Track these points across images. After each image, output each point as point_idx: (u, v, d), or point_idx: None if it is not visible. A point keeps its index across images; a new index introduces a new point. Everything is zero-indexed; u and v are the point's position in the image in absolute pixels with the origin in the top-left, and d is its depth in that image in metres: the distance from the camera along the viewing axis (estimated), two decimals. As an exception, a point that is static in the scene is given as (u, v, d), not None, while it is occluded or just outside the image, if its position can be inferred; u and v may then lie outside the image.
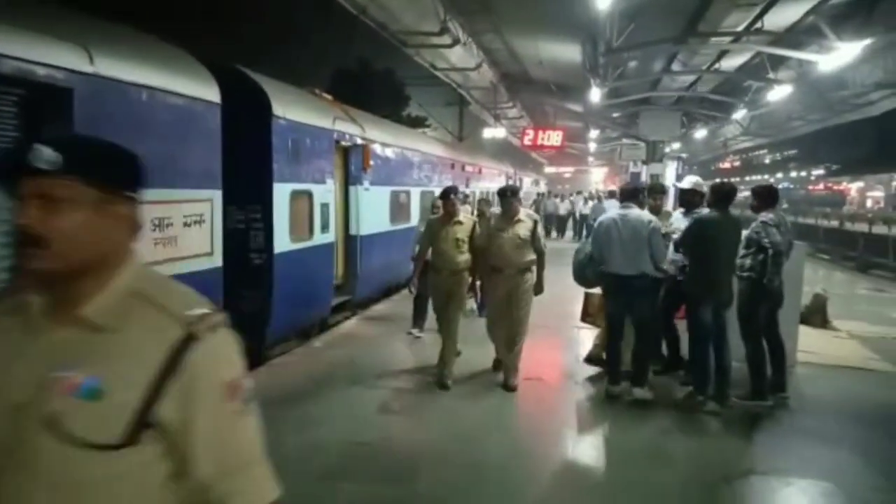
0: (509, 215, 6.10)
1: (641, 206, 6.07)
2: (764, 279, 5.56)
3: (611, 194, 19.96)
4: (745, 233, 5.82)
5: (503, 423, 5.53)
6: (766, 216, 5.69)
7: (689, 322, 5.83)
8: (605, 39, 10.41)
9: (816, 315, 8.81)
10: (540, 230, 6.19)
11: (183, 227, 5.52)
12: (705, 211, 6.12)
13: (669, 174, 18.43)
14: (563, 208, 24.43)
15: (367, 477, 4.34)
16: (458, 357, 6.53)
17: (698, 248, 5.71)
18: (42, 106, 4.27)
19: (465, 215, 6.65)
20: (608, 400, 5.86)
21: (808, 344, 7.52)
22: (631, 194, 6.04)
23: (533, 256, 6.11)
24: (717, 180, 6.58)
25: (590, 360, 6.87)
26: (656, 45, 11.98)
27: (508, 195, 6.19)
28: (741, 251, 5.73)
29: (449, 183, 16.03)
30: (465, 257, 6.22)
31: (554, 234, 22.76)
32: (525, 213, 6.21)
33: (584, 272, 6.25)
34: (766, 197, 5.87)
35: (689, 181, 6.59)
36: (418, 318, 8.19)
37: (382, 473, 4.40)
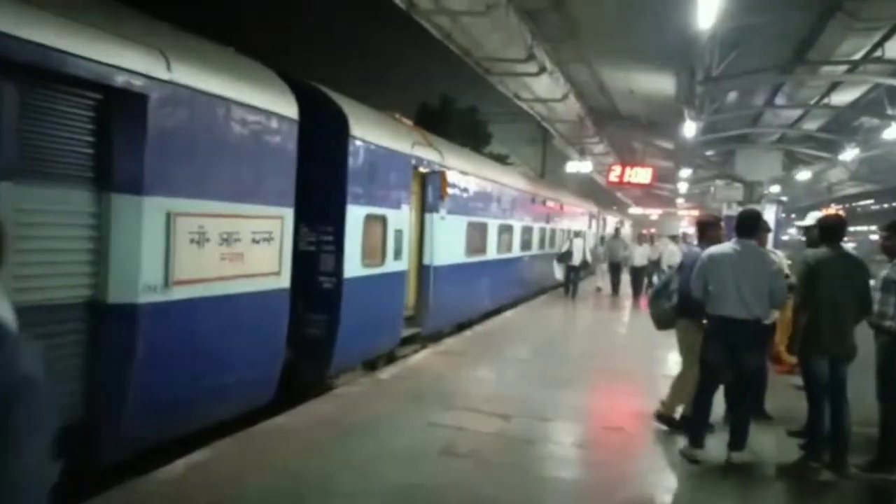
0: None
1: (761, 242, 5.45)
2: None
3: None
4: (880, 274, 5.05)
5: (577, 476, 4.95)
6: None
7: (804, 376, 5.10)
8: (704, 67, 9.79)
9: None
10: None
11: (251, 244, 5.35)
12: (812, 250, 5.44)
13: (769, 219, 17.21)
14: (639, 255, 16.94)
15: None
16: None
17: (808, 293, 4.99)
18: (116, 112, 4.21)
19: None
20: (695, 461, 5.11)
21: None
22: (749, 226, 5.21)
23: None
24: (822, 213, 5.88)
25: (660, 417, 5.97)
26: (760, 75, 11.18)
27: None
28: (877, 296, 4.94)
29: (529, 218, 15.69)
30: None
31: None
32: None
33: (660, 303, 5.85)
34: None
35: (812, 217, 5.91)
36: None
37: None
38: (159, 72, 4.34)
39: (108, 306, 4.21)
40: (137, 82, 4.20)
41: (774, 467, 5.05)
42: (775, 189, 21.00)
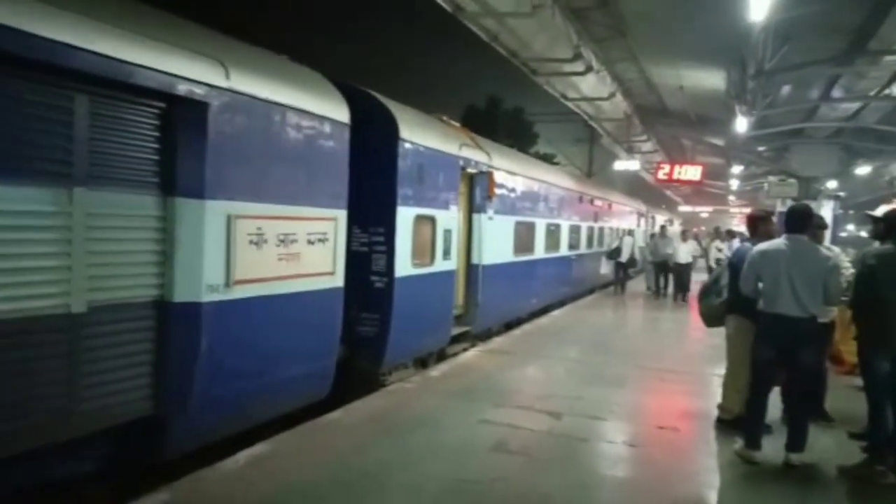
0: None
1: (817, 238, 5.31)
2: None
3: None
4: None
5: (629, 474, 4.92)
6: None
7: (863, 376, 4.95)
8: (756, 60, 9.53)
9: None
10: None
11: (307, 245, 5.51)
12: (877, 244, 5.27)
13: (825, 215, 16.59)
14: (683, 252, 15.89)
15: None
16: None
17: (868, 288, 4.85)
18: (179, 119, 4.40)
19: None
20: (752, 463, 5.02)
21: None
22: (800, 221, 5.09)
23: None
24: (891, 206, 5.64)
25: (721, 422, 5.87)
26: (816, 67, 10.82)
27: None
28: None
29: (577, 217, 15.58)
30: None
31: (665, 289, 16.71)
32: None
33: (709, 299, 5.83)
34: None
35: (882, 210, 5.72)
36: None
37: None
38: (219, 80, 4.52)
39: (174, 305, 4.41)
40: (199, 90, 4.38)
41: (836, 470, 4.92)
42: (832, 185, 20.22)
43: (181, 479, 4.22)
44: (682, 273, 16.01)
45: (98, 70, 3.76)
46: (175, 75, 4.20)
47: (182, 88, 4.28)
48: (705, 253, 17.04)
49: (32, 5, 3.43)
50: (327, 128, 5.74)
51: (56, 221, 3.75)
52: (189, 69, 4.30)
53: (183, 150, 4.42)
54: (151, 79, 4.07)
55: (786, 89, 13.46)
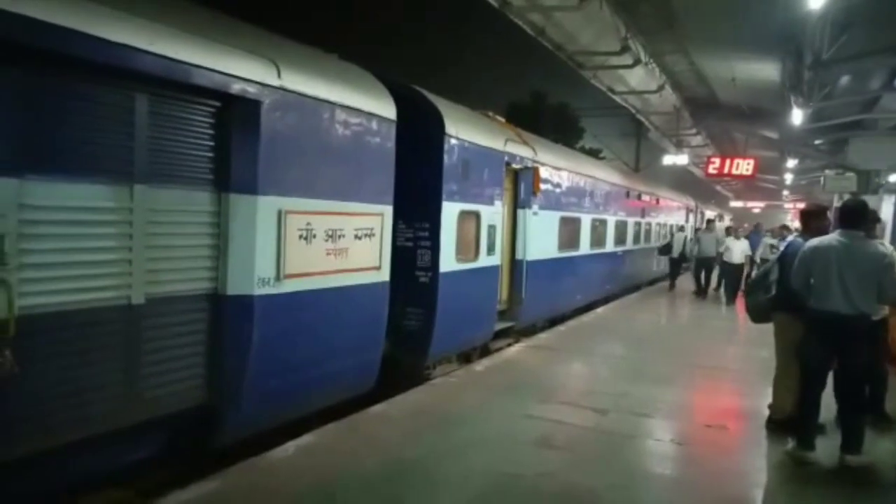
0: None
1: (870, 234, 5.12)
2: None
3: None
4: None
5: (676, 473, 4.86)
6: None
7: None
8: (813, 50, 9.19)
9: None
10: None
11: (354, 240, 5.61)
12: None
13: (887, 209, 15.89)
14: (738, 251, 14.70)
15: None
16: None
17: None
18: (232, 117, 4.53)
19: None
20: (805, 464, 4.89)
21: None
22: (854, 217, 4.91)
23: None
24: None
25: (772, 422, 5.70)
26: (877, 57, 10.35)
27: None
28: None
29: (623, 213, 15.38)
30: None
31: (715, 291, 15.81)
32: None
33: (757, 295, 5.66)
34: None
35: None
36: None
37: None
38: (271, 79, 4.63)
39: (227, 298, 4.54)
40: (251, 89, 4.50)
41: (894, 472, 4.76)
42: (894, 178, 19.36)
43: (233, 466, 4.36)
44: (733, 273, 14.73)
45: (158, 71, 3.90)
46: (229, 74, 4.32)
47: (236, 87, 4.40)
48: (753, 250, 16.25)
49: (98, 9, 3.58)
50: (374, 124, 5.82)
51: (118, 217, 3.90)
52: (242, 68, 4.41)
53: (236, 147, 4.53)
54: (207, 78, 4.19)
55: (844, 80, 12.94)
